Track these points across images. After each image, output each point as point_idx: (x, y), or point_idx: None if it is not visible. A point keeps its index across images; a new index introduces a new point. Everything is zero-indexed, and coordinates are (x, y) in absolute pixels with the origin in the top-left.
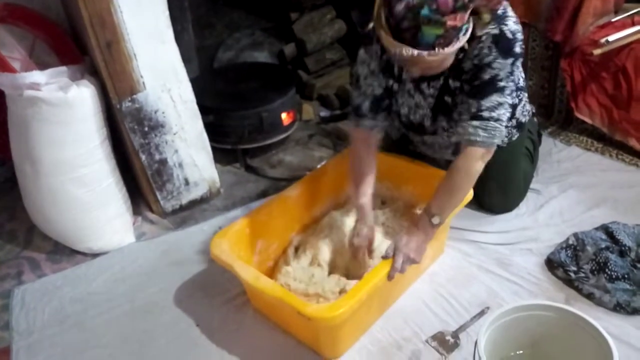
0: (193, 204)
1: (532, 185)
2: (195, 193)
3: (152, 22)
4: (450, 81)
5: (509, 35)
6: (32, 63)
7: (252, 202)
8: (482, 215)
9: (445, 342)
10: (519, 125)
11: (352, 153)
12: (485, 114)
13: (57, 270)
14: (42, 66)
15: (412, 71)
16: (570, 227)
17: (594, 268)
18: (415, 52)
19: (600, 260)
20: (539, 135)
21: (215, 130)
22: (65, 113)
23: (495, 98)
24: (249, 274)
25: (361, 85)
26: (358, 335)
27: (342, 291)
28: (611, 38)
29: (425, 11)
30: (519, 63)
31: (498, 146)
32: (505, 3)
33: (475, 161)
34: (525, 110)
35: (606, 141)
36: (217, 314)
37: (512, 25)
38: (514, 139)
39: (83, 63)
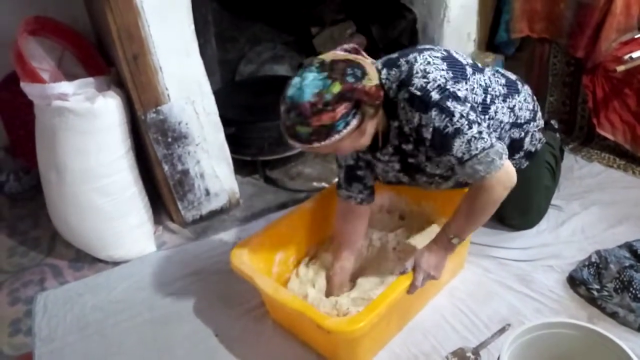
0: (213, 214)
1: (553, 202)
2: (216, 204)
3: (177, 36)
4: (403, 145)
5: (418, 93)
6: (61, 74)
7: (271, 214)
8: (503, 231)
9: (466, 358)
10: (528, 155)
11: (336, 219)
12: (466, 156)
13: (78, 277)
14: (70, 77)
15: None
16: (592, 245)
17: (617, 286)
18: (298, 145)
19: (625, 279)
20: (561, 151)
21: (236, 141)
22: (92, 123)
23: (459, 143)
24: (269, 285)
25: (338, 159)
26: (377, 350)
27: (342, 315)
28: (635, 55)
29: (292, 115)
30: (450, 102)
31: None
32: (412, 61)
33: (495, 190)
34: (535, 140)
35: (629, 158)
36: (236, 324)
37: (418, 81)
38: (522, 167)
39: (109, 74)
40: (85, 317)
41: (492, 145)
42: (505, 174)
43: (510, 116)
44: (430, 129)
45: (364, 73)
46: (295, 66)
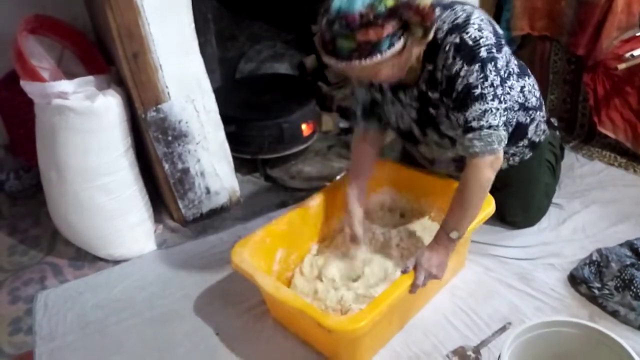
0: (213, 212)
1: (554, 200)
2: (216, 202)
3: (177, 34)
4: (430, 93)
5: (470, 43)
6: (61, 72)
7: (271, 212)
8: (504, 229)
9: (467, 357)
10: (532, 145)
11: (352, 154)
12: (474, 124)
13: (79, 276)
14: (70, 76)
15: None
16: (593, 243)
17: (618, 285)
18: (336, 62)
19: (626, 277)
20: (562, 149)
21: (236, 140)
22: (92, 122)
23: (477, 107)
24: (270, 284)
25: (355, 93)
26: (377, 348)
27: (344, 311)
28: (636, 53)
29: (336, 26)
30: (491, 67)
31: (513, 166)
32: (469, 11)
33: (483, 171)
34: (540, 130)
35: (630, 156)
36: (237, 323)
37: (474, 32)
38: (526, 158)
39: (109, 73)
40: (86, 315)
41: (497, 128)
42: (495, 159)
43: (519, 96)
44: (465, 82)
45: None
46: (295, 64)
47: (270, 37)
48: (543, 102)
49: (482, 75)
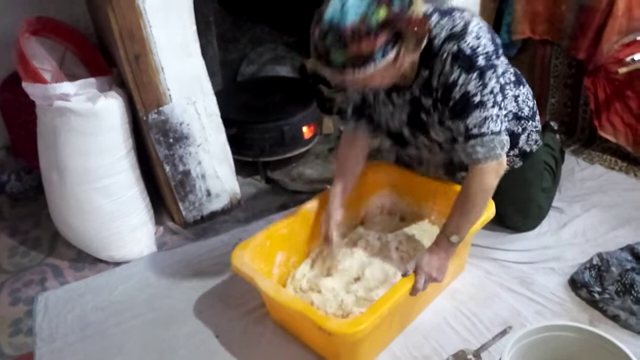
0: (214, 215)
1: (554, 204)
2: (217, 204)
3: (179, 36)
4: (423, 98)
5: (468, 52)
6: (62, 74)
7: (272, 215)
8: (504, 233)
9: None
10: (523, 154)
11: (338, 154)
12: (475, 131)
13: (79, 277)
14: (72, 77)
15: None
16: (594, 247)
17: (619, 289)
18: (329, 72)
19: (626, 282)
20: (562, 153)
21: (237, 142)
22: (93, 124)
23: (477, 114)
24: (270, 286)
25: (347, 91)
26: (377, 352)
27: (345, 315)
28: (637, 57)
29: (329, 38)
30: (490, 74)
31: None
32: (468, 19)
33: (487, 177)
34: (531, 140)
35: (630, 160)
36: (237, 325)
37: (472, 40)
38: (516, 167)
39: (111, 75)
40: (86, 317)
41: (499, 133)
42: (498, 164)
43: (513, 106)
44: (462, 91)
45: (412, 1)
46: (296, 67)
47: (272, 40)
48: (537, 112)
49: (480, 83)
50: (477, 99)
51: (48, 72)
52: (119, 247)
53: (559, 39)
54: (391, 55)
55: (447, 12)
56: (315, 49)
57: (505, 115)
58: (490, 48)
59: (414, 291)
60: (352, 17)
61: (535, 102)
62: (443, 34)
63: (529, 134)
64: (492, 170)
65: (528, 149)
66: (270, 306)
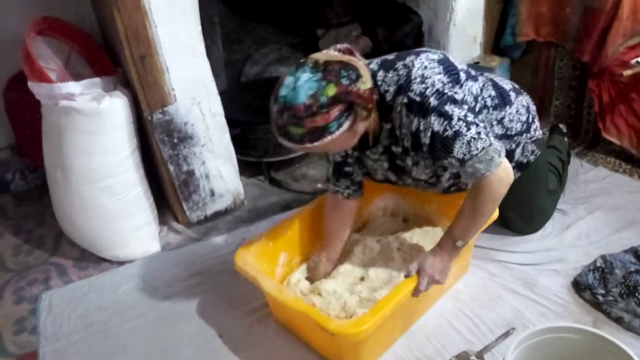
0: (217, 215)
1: (558, 206)
2: (220, 204)
3: (184, 37)
4: (393, 148)
5: (417, 99)
6: (68, 74)
7: (275, 215)
8: (507, 235)
9: None
10: (520, 166)
11: (324, 215)
12: (467, 157)
13: (83, 277)
14: (77, 77)
15: None
16: (597, 249)
17: (623, 291)
18: (290, 145)
19: (630, 284)
20: (569, 155)
21: (241, 143)
22: (98, 123)
23: (459, 144)
24: (273, 286)
25: (328, 154)
26: (380, 352)
27: (349, 316)
28: None
29: (285, 116)
30: (448, 107)
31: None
32: (410, 65)
33: (495, 185)
34: (527, 151)
35: (635, 162)
36: (240, 325)
37: (417, 87)
38: (515, 177)
39: (116, 75)
40: (90, 316)
41: (490, 144)
42: (504, 171)
43: (499, 128)
44: (429, 134)
45: (358, 75)
46: None
47: (276, 41)
48: (532, 122)
49: (442, 120)
50: (449, 133)
51: (53, 71)
52: (122, 247)
53: (564, 41)
54: (346, 125)
55: (390, 66)
56: (275, 124)
57: (485, 127)
58: (439, 84)
59: (416, 293)
60: (303, 96)
61: (531, 112)
62: (391, 89)
63: (523, 147)
64: (499, 178)
65: (525, 160)
66: (273, 306)
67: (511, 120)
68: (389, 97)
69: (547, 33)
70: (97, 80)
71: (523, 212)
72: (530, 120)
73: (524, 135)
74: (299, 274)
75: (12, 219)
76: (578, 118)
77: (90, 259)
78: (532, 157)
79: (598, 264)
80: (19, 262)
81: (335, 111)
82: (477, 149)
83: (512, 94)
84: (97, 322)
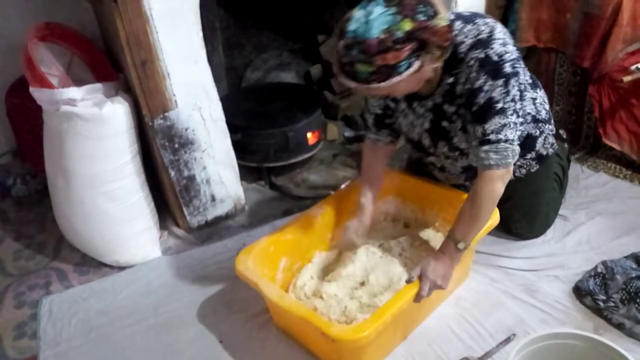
0: (218, 220)
1: (559, 212)
2: (221, 209)
3: (186, 43)
4: (446, 106)
5: (495, 58)
6: (69, 79)
7: (276, 220)
8: (508, 240)
9: None
10: (539, 158)
11: (362, 160)
12: (492, 137)
13: (84, 281)
14: (79, 83)
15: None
16: (598, 255)
17: (624, 298)
18: (354, 84)
19: (631, 290)
20: (569, 161)
21: (242, 148)
22: (99, 128)
23: (497, 120)
24: (274, 292)
25: (368, 104)
26: (381, 358)
27: (349, 321)
28: None
29: (354, 51)
30: (514, 82)
31: (519, 178)
32: (492, 26)
33: (495, 183)
34: (548, 143)
35: (635, 168)
36: (241, 330)
37: (498, 47)
38: (532, 170)
39: (117, 80)
40: (90, 321)
41: (513, 142)
42: (507, 172)
43: (532, 108)
44: (487, 97)
45: (436, 12)
46: (301, 73)
47: (277, 46)
48: (552, 116)
49: (505, 90)
50: (499, 105)
51: (55, 77)
52: (123, 252)
53: (564, 47)
54: (415, 65)
55: (471, 19)
56: (340, 62)
57: (522, 124)
58: (515, 55)
59: (418, 298)
60: (377, 29)
61: (549, 105)
62: (469, 41)
63: (545, 137)
64: (500, 177)
65: (544, 152)
66: (274, 311)
67: (540, 104)
68: (463, 48)
69: (547, 39)
70: (98, 85)
71: (528, 212)
72: (551, 113)
73: (547, 125)
74: (305, 275)
75: (13, 223)
76: (578, 124)
77: (91, 264)
78: (550, 150)
79: (599, 270)
80: (20, 267)
81: (407, 49)
82: (505, 135)
83: (538, 82)
84: (97, 327)
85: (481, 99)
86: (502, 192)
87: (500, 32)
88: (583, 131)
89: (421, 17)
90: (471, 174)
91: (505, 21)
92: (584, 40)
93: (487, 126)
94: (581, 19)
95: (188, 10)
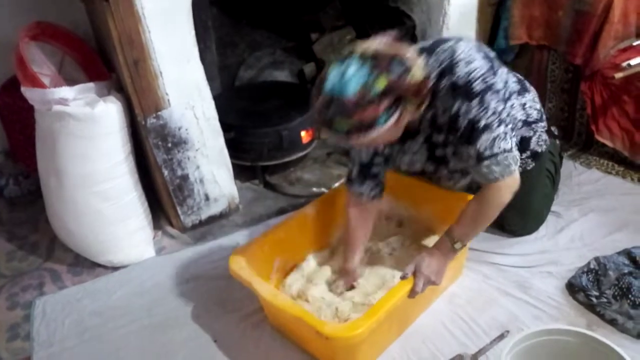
0: (212, 219)
1: (552, 208)
2: (215, 209)
3: (178, 42)
4: (435, 136)
5: (461, 82)
6: (61, 79)
7: (270, 219)
8: (502, 237)
9: None
10: (534, 155)
11: (347, 223)
12: (487, 153)
13: (77, 282)
14: (71, 82)
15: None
16: (591, 251)
17: (616, 293)
18: (334, 138)
19: (623, 286)
20: (560, 158)
21: (236, 147)
22: (92, 128)
23: (486, 137)
24: (268, 291)
25: (351, 153)
26: (375, 356)
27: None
28: (633, 62)
29: (333, 108)
30: (489, 95)
31: None
32: (452, 48)
33: (503, 193)
34: (541, 141)
35: (627, 164)
36: (235, 330)
37: (463, 69)
38: (528, 168)
39: (110, 79)
40: (84, 322)
41: (511, 149)
42: (513, 180)
43: (522, 114)
44: (467, 118)
45: (409, 66)
46: (294, 72)
47: (270, 45)
48: (543, 112)
49: (482, 108)
50: (482, 123)
51: (47, 76)
52: (117, 252)
53: (556, 45)
54: (395, 116)
55: (432, 49)
56: (320, 116)
57: (513, 129)
58: (484, 69)
59: (412, 294)
60: (353, 87)
61: (540, 103)
62: (435, 72)
63: (539, 135)
64: (508, 186)
65: (539, 149)
66: (268, 311)
67: (530, 107)
68: (432, 81)
69: (539, 36)
70: (90, 85)
71: (521, 209)
72: (542, 109)
73: (539, 123)
74: (294, 276)
75: (5, 224)
76: (571, 120)
77: (85, 264)
78: (544, 147)
79: (592, 266)
80: (13, 268)
81: (385, 103)
82: (500, 147)
83: (527, 83)
84: (91, 327)
85: (462, 123)
86: (509, 200)
87: (462, 52)
88: (575, 128)
89: (395, 74)
90: (477, 187)
91: (497, 19)
92: (575, 38)
93: (478, 146)
94: (573, 16)
95: (180, 9)
